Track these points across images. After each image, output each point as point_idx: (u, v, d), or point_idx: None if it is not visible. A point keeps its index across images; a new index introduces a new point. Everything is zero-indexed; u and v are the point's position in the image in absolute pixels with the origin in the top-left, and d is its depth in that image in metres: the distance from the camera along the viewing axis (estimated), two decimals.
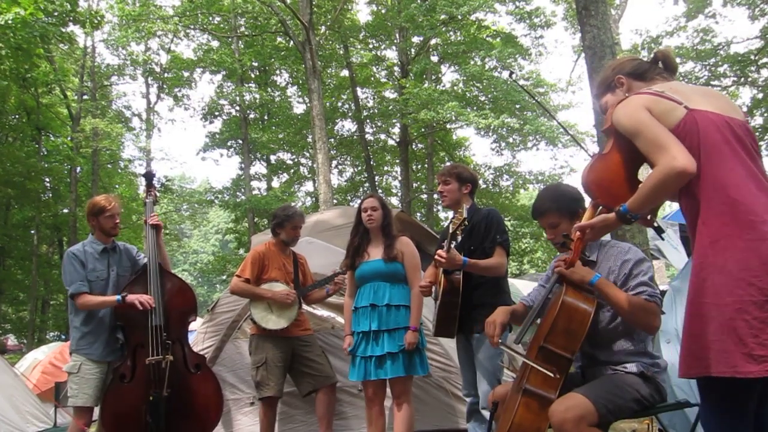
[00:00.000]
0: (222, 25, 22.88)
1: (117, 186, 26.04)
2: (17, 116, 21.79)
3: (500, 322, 2.94)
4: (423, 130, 21.59)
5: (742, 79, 17.55)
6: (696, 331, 1.96)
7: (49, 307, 24.74)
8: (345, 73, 23.38)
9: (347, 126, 25.45)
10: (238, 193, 24.53)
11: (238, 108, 23.73)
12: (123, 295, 4.20)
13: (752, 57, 16.83)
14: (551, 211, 2.89)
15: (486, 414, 3.55)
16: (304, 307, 4.86)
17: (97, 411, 4.45)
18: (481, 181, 23.28)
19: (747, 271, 1.86)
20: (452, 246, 3.45)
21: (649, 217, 2.42)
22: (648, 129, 2.05)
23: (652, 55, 2.42)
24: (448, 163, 4.40)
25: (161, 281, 4.35)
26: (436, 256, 3.48)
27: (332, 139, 23.11)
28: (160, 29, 21.57)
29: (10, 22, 11.49)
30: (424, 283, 3.79)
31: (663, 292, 3.81)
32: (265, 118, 25.21)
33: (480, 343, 3.62)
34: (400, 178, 24.08)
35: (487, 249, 3.68)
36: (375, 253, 4.08)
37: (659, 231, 2.50)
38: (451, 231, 3.44)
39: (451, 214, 3.88)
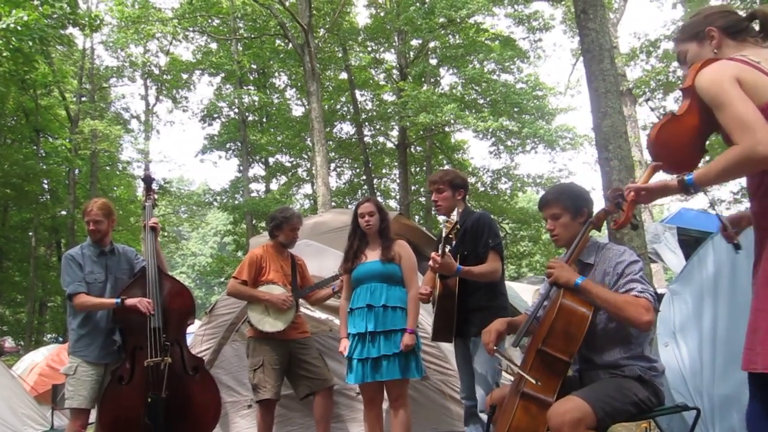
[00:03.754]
0: (221, 28, 22.86)
1: (115, 188, 26.01)
2: (16, 118, 21.76)
3: (496, 329, 2.96)
4: (421, 132, 21.58)
5: None
6: (756, 327, 1.93)
7: (46, 309, 24.67)
8: (344, 75, 23.37)
9: (346, 128, 25.47)
10: (236, 196, 24.49)
11: (236, 110, 23.73)
12: (122, 298, 4.20)
13: None
14: (556, 203, 2.90)
15: (484, 417, 3.56)
16: (302, 309, 4.85)
17: (93, 414, 4.45)
18: (479, 184, 23.34)
19: None
20: (447, 250, 3.46)
21: (734, 232, 2.28)
22: (734, 104, 1.89)
23: (748, 12, 2.17)
24: (438, 171, 4.39)
25: (160, 283, 4.35)
26: (430, 260, 3.51)
27: (331, 142, 23.09)
28: (159, 31, 21.58)
29: (11, 25, 11.51)
30: (423, 290, 3.80)
31: (660, 295, 3.83)
32: (264, 120, 25.21)
33: (477, 347, 3.63)
34: (398, 181, 24.06)
35: (480, 253, 3.69)
36: (372, 256, 4.08)
37: (737, 247, 2.29)
38: (444, 235, 3.45)
39: None
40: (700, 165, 2.18)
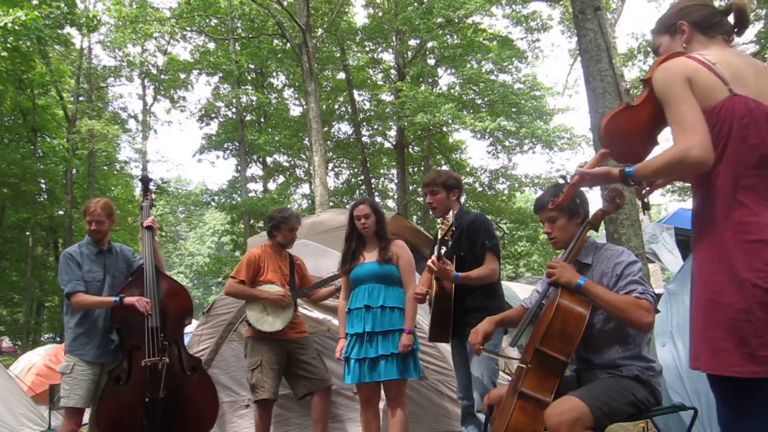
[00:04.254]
0: (219, 27, 22.84)
1: (113, 188, 25.98)
2: (13, 118, 21.69)
3: (483, 330, 2.97)
4: (419, 132, 21.59)
5: None
6: (701, 328, 1.95)
7: (44, 309, 24.62)
8: (342, 75, 23.38)
9: (344, 128, 25.46)
10: (234, 195, 24.46)
11: (234, 110, 23.71)
12: (121, 296, 4.20)
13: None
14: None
15: (481, 417, 3.56)
16: (300, 309, 4.85)
17: (87, 414, 4.45)
18: (477, 184, 23.33)
19: (753, 272, 1.83)
20: (442, 252, 3.46)
21: (644, 191, 2.36)
22: (679, 104, 1.93)
23: (725, 5, 2.16)
24: (431, 173, 4.39)
25: (157, 283, 4.35)
26: (428, 264, 3.52)
27: (329, 142, 23.09)
28: (157, 31, 21.56)
29: (9, 25, 11.51)
30: (418, 291, 3.81)
31: (658, 295, 3.83)
32: (262, 120, 25.18)
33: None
34: (396, 181, 24.07)
35: (477, 255, 3.69)
36: (370, 257, 4.08)
37: (646, 207, 2.45)
38: (440, 237, 3.46)
39: None
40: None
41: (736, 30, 2.14)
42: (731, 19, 2.13)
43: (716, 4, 2.22)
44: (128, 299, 4.18)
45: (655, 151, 2.22)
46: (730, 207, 1.91)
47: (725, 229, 1.91)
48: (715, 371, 1.90)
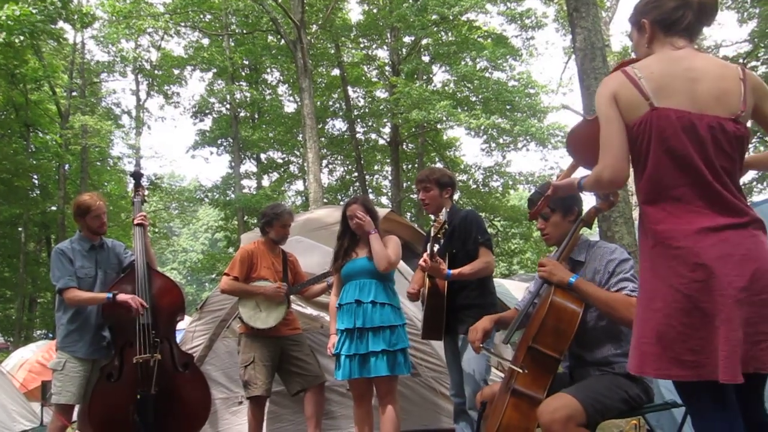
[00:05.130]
0: (213, 23, 22.76)
1: (106, 183, 25.87)
2: (5, 113, 21.59)
3: (482, 327, 2.98)
4: (414, 130, 21.58)
5: None
6: (636, 333, 2.00)
7: (36, 305, 24.53)
8: (336, 72, 23.33)
9: (338, 125, 25.42)
10: (228, 192, 24.43)
11: (228, 106, 23.65)
12: (114, 293, 4.18)
13: (741, 60, 16.94)
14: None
15: (473, 414, 3.57)
16: (293, 306, 4.85)
17: (76, 411, 4.43)
18: (471, 182, 23.34)
19: (676, 278, 1.87)
20: (435, 250, 3.47)
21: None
22: (603, 123, 2.04)
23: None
24: (424, 170, 4.40)
25: (149, 280, 4.33)
26: (420, 262, 3.52)
27: (323, 138, 23.04)
28: (151, 26, 21.45)
29: (3, 19, 11.46)
30: (410, 289, 3.81)
31: None
32: (256, 116, 25.12)
33: (466, 345, 3.63)
34: (390, 178, 24.08)
35: (470, 251, 3.69)
36: (362, 253, 4.07)
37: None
38: (432, 235, 3.46)
39: None
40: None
41: (702, 21, 2.11)
42: (695, 10, 2.07)
43: None
44: (121, 297, 4.16)
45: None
46: (657, 217, 1.96)
47: (654, 237, 1.96)
48: (642, 372, 1.95)
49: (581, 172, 2.49)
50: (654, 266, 1.95)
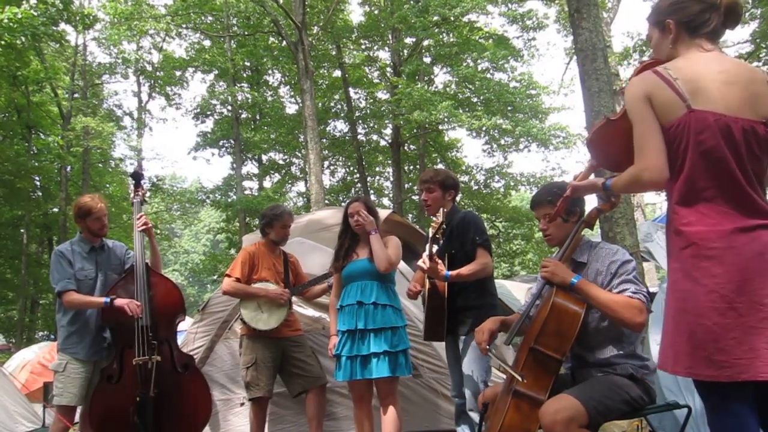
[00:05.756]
0: (214, 25, 22.78)
1: (108, 185, 25.89)
2: (7, 114, 21.59)
3: (488, 329, 2.96)
4: (415, 131, 21.58)
5: None
6: (669, 333, 2.01)
7: (38, 306, 24.54)
8: (337, 73, 23.33)
9: (339, 126, 25.42)
10: (229, 193, 24.43)
11: (230, 107, 23.65)
12: (111, 298, 4.17)
13: (743, 61, 16.89)
14: (549, 203, 2.91)
15: (473, 416, 3.56)
16: (295, 307, 4.84)
17: (78, 412, 4.43)
18: (472, 183, 23.33)
19: (710, 278, 1.88)
20: (434, 251, 3.46)
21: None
22: (638, 124, 2.01)
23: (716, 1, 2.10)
24: (429, 170, 4.39)
25: (149, 282, 4.32)
26: (418, 263, 3.52)
27: (324, 140, 23.06)
28: (152, 28, 21.47)
29: (5, 21, 11.47)
30: (411, 288, 3.80)
31: (653, 294, 3.83)
32: (257, 117, 25.13)
33: (467, 346, 3.63)
34: (392, 179, 24.06)
35: (468, 252, 3.69)
36: (363, 254, 4.07)
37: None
38: (431, 235, 3.46)
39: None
40: None
41: (726, 25, 2.12)
42: (721, 14, 2.10)
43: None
44: (118, 302, 4.15)
45: None
46: (691, 218, 1.97)
47: (687, 239, 1.97)
48: (673, 371, 1.97)
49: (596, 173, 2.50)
50: (685, 267, 1.96)
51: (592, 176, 2.54)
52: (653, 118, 1.99)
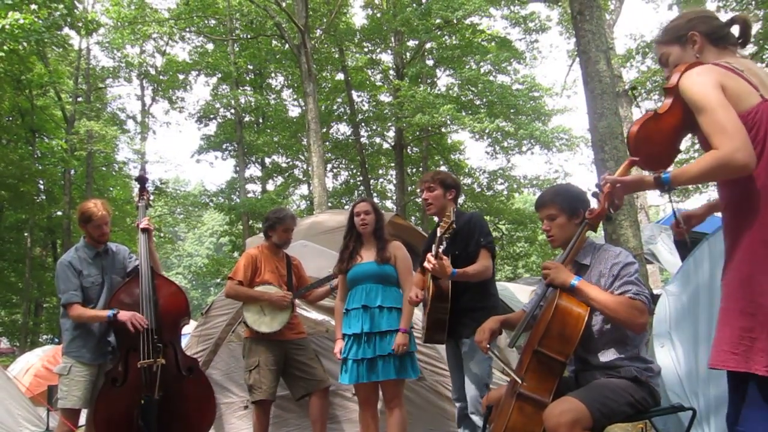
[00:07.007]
0: (217, 28, 22.86)
1: (111, 189, 25.95)
2: (11, 118, 21.67)
3: (489, 328, 2.96)
4: (418, 133, 21.60)
5: None
6: (738, 329, 1.96)
7: (42, 310, 24.62)
8: (340, 76, 23.39)
9: (342, 129, 25.46)
10: (232, 196, 24.47)
11: (233, 111, 23.71)
12: (114, 312, 4.15)
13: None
14: (552, 204, 2.90)
15: (475, 419, 3.56)
16: (298, 310, 4.85)
17: (83, 415, 4.43)
18: (475, 185, 23.34)
19: None
20: (440, 251, 3.44)
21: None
22: (717, 109, 1.95)
23: (729, 18, 2.21)
24: (429, 171, 4.42)
25: (153, 285, 4.33)
26: (425, 262, 3.49)
27: (327, 143, 23.09)
28: (156, 32, 21.55)
29: (8, 27, 11.52)
30: (412, 295, 3.75)
31: (657, 297, 3.83)
32: (260, 121, 25.19)
33: (468, 348, 3.62)
34: (395, 182, 24.08)
35: (471, 253, 3.68)
36: (368, 256, 4.07)
37: (684, 244, 2.53)
38: (439, 235, 3.43)
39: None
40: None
41: (740, 42, 2.19)
42: (735, 31, 2.18)
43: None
44: (122, 316, 4.14)
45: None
46: None
47: (766, 229, 1.94)
48: (747, 369, 1.91)
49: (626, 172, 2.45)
50: (764, 260, 1.93)
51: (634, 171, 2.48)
52: (730, 104, 1.96)
